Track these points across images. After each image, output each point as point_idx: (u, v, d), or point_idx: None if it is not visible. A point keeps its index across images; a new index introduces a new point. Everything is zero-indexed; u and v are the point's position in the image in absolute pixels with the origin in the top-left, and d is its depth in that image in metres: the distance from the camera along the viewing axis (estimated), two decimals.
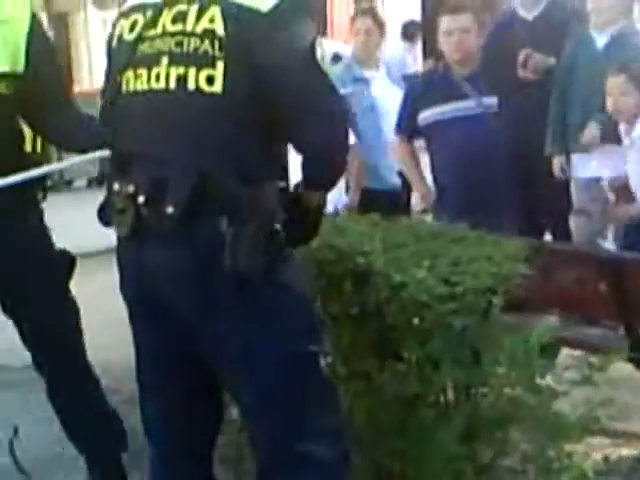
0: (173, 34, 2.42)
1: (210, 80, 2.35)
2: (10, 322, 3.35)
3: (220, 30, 2.34)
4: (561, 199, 4.65)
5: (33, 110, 3.14)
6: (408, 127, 5.01)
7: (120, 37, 2.55)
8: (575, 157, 4.59)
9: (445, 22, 4.80)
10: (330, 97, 2.43)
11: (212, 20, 2.35)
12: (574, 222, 4.62)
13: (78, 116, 3.27)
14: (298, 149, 2.46)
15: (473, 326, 2.62)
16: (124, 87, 2.51)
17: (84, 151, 3.17)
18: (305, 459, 2.49)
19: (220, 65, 2.33)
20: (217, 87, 2.35)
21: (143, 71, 2.46)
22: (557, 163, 4.67)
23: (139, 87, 2.47)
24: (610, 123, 4.38)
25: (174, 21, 2.42)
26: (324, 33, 25.10)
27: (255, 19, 2.32)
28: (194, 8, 2.39)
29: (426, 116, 4.87)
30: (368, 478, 2.99)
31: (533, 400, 2.71)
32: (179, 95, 2.40)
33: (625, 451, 4.06)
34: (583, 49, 4.57)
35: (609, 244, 4.58)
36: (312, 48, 2.36)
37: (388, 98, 5.46)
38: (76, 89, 11.76)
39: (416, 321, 2.65)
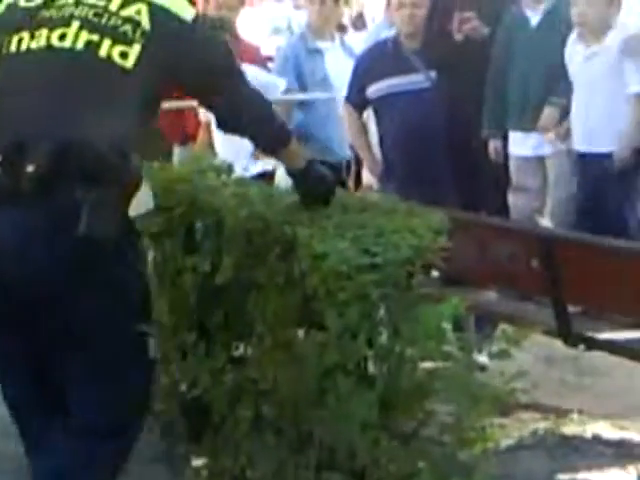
0: (92, 6, 2.58)
1: (123, 55, 2.54)
2: None
3: (145, 23, 2.59)
4: (500, 175, 4.68)
5: None
6: (357, 99, 5.03)
7: (12, 4, 2.66)
8: (513, 135, 4.61)
9: None
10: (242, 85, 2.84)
11: (138, 13, 2.59)
12: (512, 199, 4.65)
13: None
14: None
15: (391, 297, 2.64)
16: (12, 48, 2.56)
17: None
18: (114, 429, 2.76)
19: (137, 47, 2.56)
20: (129, 63, 2.55)
21: (43, 31, 2.54)
22: (492, 146, 4.70)
23: (33, 45, 2.54)
24: (564, 106, 4.41)
25: None
26: None
27: (180, 24, 2.66)
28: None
29: (375, 89, 4.90)
30: (290, 445, 3.03)
31: (449, 372, 2.74)
32: (85, 57, 2.53)
33: (553, 426, 4.13)
34: (518, 29, 4.58)
35: (546, 221, 4.61)
36: (228, 48, 2.88)
37: (343, 69, 5.47)
38: None
39: (336, 291, 2.66)
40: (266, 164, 5.32)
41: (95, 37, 2.53)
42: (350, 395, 2.70)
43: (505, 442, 3.92)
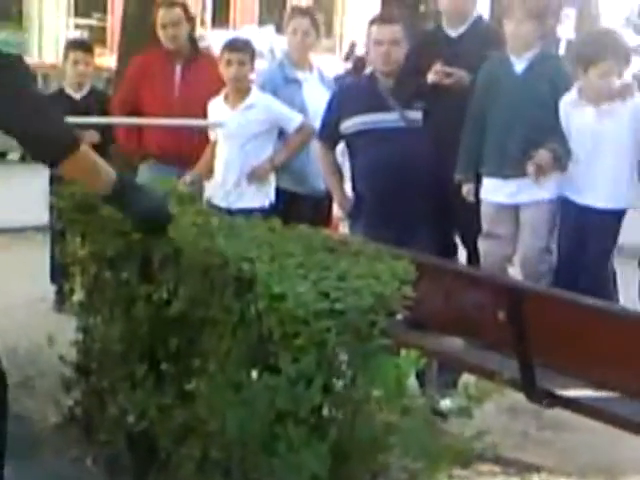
0: None
1: None
2: None
3: None
4: (475, 221, 4.58)
5: None
6: (330, 134, 4.93)
7: None
8: (487, 182, 4.52)
9: (375, 32, 4.74)
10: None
11: None
12: (482, 245, 4.55)
13: None
14: None
15: (350, 345, 2.52)
16: None
17: None
18: None
19: None
20: None
21: None
22: (465, 189, 4.61)
23: None
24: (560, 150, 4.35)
25: None
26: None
27: None
28: None
29: (348, 125, 4.80)
30: None
31: (406, 424, 2.63)
32: None
33: None
34: (502, 73, 4.50)
35: (515, 270, 4.52)
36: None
37: (319, 101, 5.36)
38: None
39: (292, 335, 2.54)
40: (254, 201, 5.24)
41: None
42: (301, 444, 2.58)
43: None
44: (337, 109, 4.88)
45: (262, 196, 5.31)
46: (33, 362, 4.92)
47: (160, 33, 5.61)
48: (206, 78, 5.57)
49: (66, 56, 6.06)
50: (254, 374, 2.78)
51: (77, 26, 23.23)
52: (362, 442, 2.61)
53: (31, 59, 13.38)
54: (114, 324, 3.49)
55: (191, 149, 5.50)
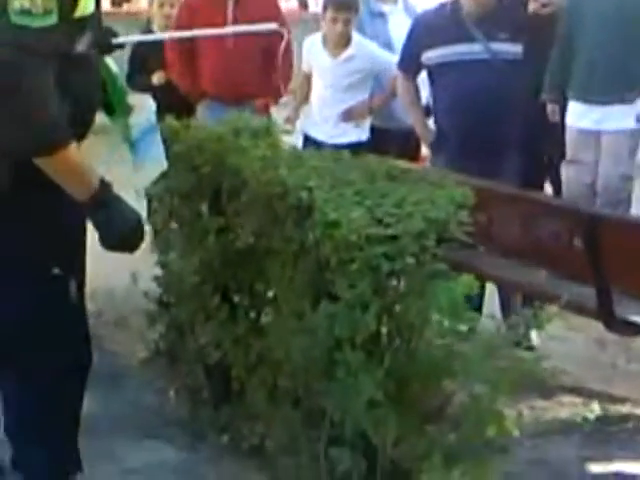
0: None
1: None
2: None
3: None
4: (558, 148, 4.50)
5: None
6: (410, 64, 4.86)
7: None
8: (574, 106, 4.41)
9: None
10: None
11: None
12: (565, 172, 4.45)
13: None
14: None
15: (404, 271, 2.51)
16: None
17: None
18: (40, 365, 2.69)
19: None
20: None
21: None
22: (550, 107, 4.49)
23: None
24: None
25: None
26: None
27: None
28: None
29: (430, 56, 4.72)
30: (304, 417, 2.94)
31: (467, 351, 2.61)
32: None
33: (594, 412, 3.97)
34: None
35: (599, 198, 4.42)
36: None
37: (404, 33, 5.29)
38: None
39: (347, 261, 2.54)
40: (350, 135, 5.32)
41: None
42: (359, 370, 2.60)
43: (540, 426, 3.79)
44: (418, 39, 4.79)
45: (359, 130, 5.37)
46: (127, 300, 5.05)
47: None
48: (259, 12, 5.52)
49: None
50: (315, 302, 2.79)
51: None
52: (421, 367, 2.60)
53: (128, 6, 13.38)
54: (189, 258, 3.55)
55: (249, 86, 5.50)
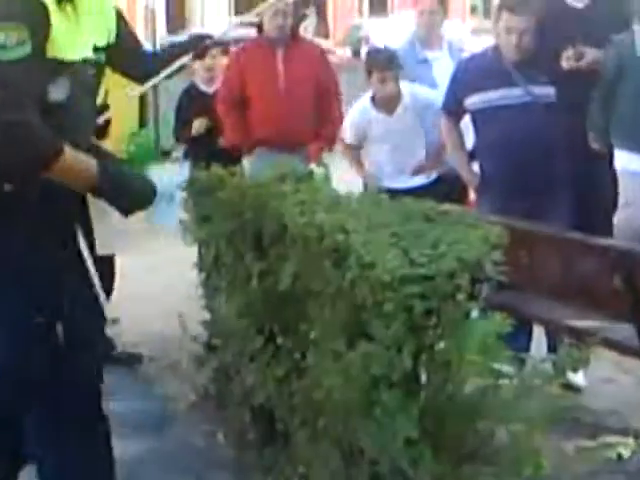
0: None
1: None
2: None
3: None
4: (609, 192, 4.53)
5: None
6: (454, 108, 4.94)
7: None
8: (619, 153, 4.45)
9: (505, 20, 4.67)
10: None
11: None
12: (617, 216, 4.47)
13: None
14: None
15: (437, 310, 2.55)
16: None
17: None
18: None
19: None
20: None
21: None
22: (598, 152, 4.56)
23: None
24: None
25: None
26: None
27: None
28: None
29: (473, 101, 4.79)
30: (344, 456, 2.98)
31: (504, 390, 2.64)
32: None
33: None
34: (629, 52, 4.39)
35: None
36: None
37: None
38: None
39: (381, 302, 2.59)
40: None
41: None
42: (395, 409, 2.63)
43: (585, 466, 3.78)
44: (461, 84, 4.87)
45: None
46: (177, 344, 5.14)
47: (267, 21, 5.68)
48: (307, 60, 5.65)
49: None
50: (351, 342, 2.84)
51: (238, 24, 23.73)
52: (457, 406, 2.63)
53: None
54: (233, 301, 3.62)
55: (300, 133, 5.60)
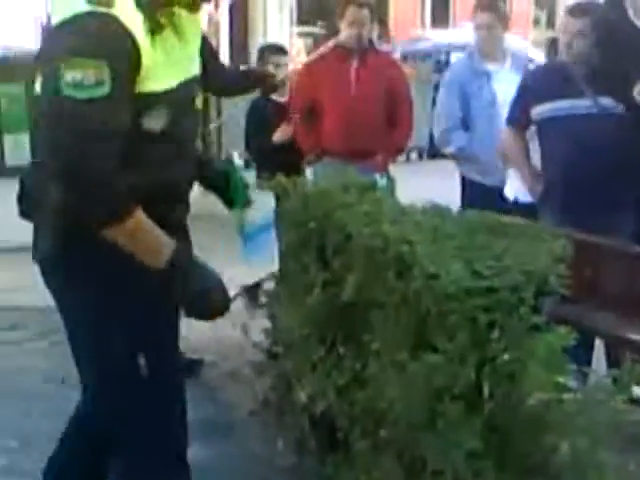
0: None
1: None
2: None
3: None
4: None
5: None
6: (520, 119, 4.93)
7: None
8: None
9: (563, 22, 4.74)
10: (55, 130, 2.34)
11: None
12: None
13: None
14: None
15: (501, 323, 2.55)
16: None
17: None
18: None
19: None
20: (37, 88, 2.48)
21: None
22: None
23: None
24: None
25: None
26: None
27: (48, 31, 2.48)
28: None
29: (539, 111, 4.78)
30: (401, 468, 2.98)
31: (567, 403, 2.62)
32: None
33: None
34: None
35: None
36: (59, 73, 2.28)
37: (511, 92, 5.37)
38: None
39: (446, 313, 2.60)
40: None
41: None
42: (458, 421, 2.64)
43: None
44: (528, 94, 4.87)
45: None
46: (239, 352, 5.18)
47: (345, 30, 5.73)
48: (381, 69, 5.67)
49: (267, 61, 6.26)
50: (415, 353, 2.85)
51: (300, 34, 23.87)
52: (521, 419, 2.63)
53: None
54: (296, 310, 3.65)
55: (370, 142, 5.62)
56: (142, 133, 2.40)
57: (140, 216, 2.36)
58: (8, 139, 11.97)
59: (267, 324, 4.19)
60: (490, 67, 5.62)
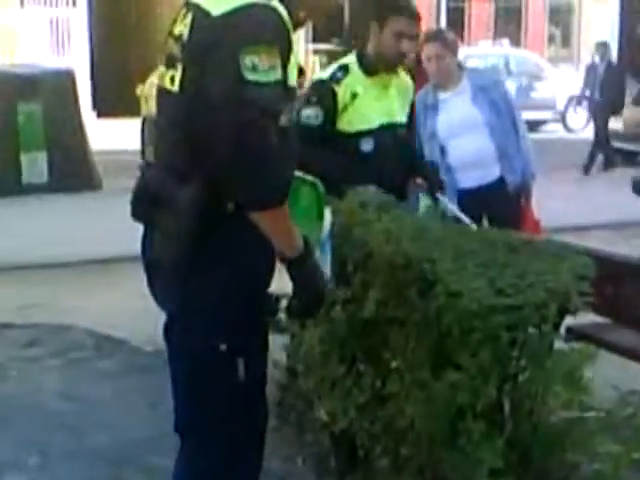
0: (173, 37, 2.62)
1: (172, 80, 2.53)
2: None
3: (185, 34, 2.51)
4: None
5: None
6: None
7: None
8: None
9: None
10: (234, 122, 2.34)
11: (185, 25, 2.52)
12: None
13: None
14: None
15: (524, 341, 2.55)
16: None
17: None
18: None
19: (179, 66, 2.50)
20: (176, 86, 2.52)
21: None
22: None
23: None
24: None
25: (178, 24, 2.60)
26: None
27: (207, 22, 2.43)
28: (187, 13, 2.55)
29: None
30: None
31: (589, 422, 2.62)
32: (158, 95, 2.66)
33: None
34: None
35: None
36: (237, 62, 2.33)
37: (459, 119, 5.42)
38: None
39: (468, 331, 2.60)
40: None
41: (162, 70, 2.62)
42: (481, 439, 2.63)
43: None
44: None
45: None
46: None
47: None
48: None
49: None
50: (436, 371, 2.85)
51: (316, 51, 23.94)
52: (543, 437, 2.62)
53: None
54: (316, 327, 3.65)
55: None
56: (278, 129, 2.42)
57: (285, 208, 2.45)
58: (25, 157, 12.08)
59: (287, 341, 4.18)
60: (442, 96, 5.48)
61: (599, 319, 3.86)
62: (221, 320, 2.55)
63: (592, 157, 14.47)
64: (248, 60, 2.31)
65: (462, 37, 24.94)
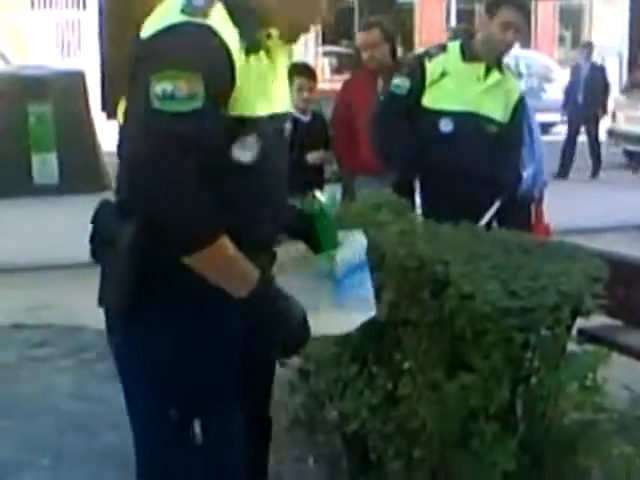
0: None
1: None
2: None
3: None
4: None
5: None
6: None
7: None
8: None
9: None
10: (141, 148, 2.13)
11: None
12: None
13: None
14: None
15: (537, 343, 2.56)
16: None
17: None
18: None
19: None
20: (121, 116, 2.37)
21: None
22: None
23: None
24: None
25: None
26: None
27: (137, 46, 2.24)
28: None
29: None
30: None
31: (601, 424, 2.63)
32: None
33: None
34: None
35: None
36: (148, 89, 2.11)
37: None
38: None
39: (481, 333, 2.61)
40: None
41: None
42: (493, 441, 2.64)
43: None
44: None
45: None
46: None
47: (362, 54, 5.80)
48: None
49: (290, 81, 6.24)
50: (449, 372, 2.85)
51: (325, 54, 23.95)
52: (555, 439, 2.63)
53: None
54: None
55: None
56: (231, 163, 2.22)
57: (226, 241, 2.15)
58: (36, 158, 12.11)
59: None
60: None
61: (610, 321, 3.86)
62: (170, 382, 2.27)
63: (598, 159, 14.36)
64: (158, 88, 2.08)
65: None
